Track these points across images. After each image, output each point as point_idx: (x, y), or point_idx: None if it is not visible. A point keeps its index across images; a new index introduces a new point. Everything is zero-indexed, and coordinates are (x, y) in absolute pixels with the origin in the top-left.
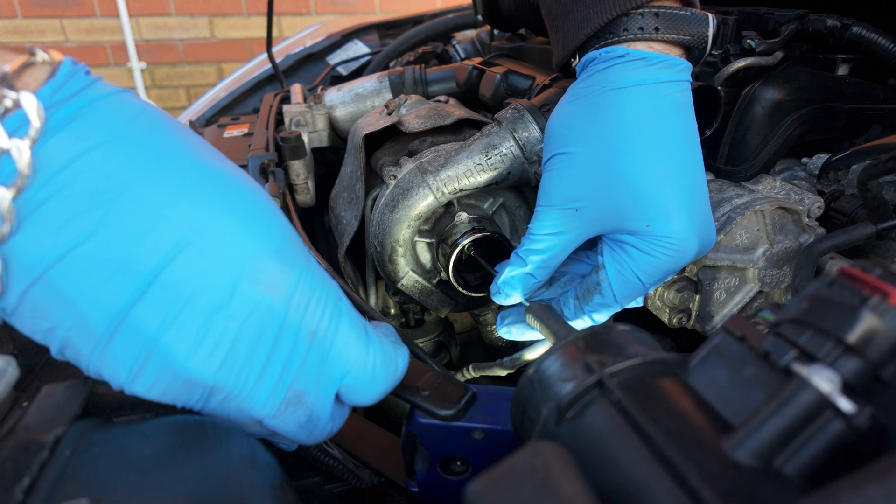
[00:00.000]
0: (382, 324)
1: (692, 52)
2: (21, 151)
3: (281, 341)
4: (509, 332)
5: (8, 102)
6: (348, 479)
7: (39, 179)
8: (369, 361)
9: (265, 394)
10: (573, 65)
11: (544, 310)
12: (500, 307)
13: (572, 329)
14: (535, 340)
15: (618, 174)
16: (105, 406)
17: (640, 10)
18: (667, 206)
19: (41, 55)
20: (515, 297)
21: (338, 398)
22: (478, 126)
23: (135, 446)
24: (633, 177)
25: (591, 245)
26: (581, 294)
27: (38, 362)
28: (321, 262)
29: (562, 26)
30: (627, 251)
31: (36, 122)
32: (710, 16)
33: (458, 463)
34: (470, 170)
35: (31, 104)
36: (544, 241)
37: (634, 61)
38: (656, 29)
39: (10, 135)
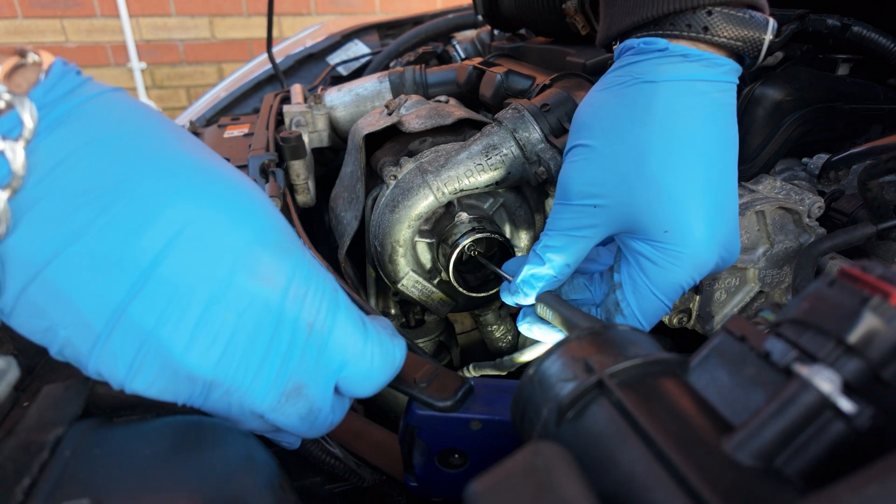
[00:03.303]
0: (379, 317)
1: (743, 56)
2: (15, 153)
3: (279, 333)
4: (530, 329)
5: (0, 104)
6: (350, 479)
7: (33, 179)
8: (367, 352)
9: (265, 387)
10: (613, 47)
11: (555, 299)
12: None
13: (587, 315)
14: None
15: (641, 171)
16: (105, 406)
17: (697, 8)
18: (689, 213)
19: (32, 57)
20: (534, 296)
21: (337, 390)
22: (478, 126)
23: (135, 446)
24: (657, 176)
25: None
26: (604, 317)
27: (38, 362)
28: (317, 257)
29: (614, 1)
30: (641, 265)
31: (29, 122)
32: (770, 20)
33: (456, 455)
34: (470, 170)
35: (23, 106)
36: (561, 239)
37: (673, 56)
38: (705, 29)
39: (4, 136)
